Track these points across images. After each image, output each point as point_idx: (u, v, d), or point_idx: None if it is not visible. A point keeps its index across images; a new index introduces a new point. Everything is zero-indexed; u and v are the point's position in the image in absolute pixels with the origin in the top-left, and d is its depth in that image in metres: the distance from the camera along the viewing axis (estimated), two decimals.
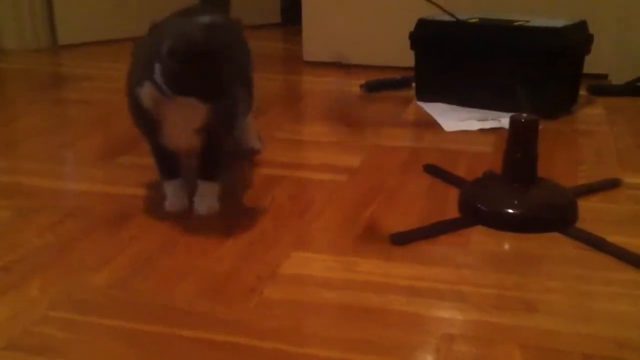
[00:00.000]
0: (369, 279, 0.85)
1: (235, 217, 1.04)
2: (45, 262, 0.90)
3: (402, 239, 0.93)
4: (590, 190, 1.11)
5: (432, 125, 1.50)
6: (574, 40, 1.54)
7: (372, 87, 1.81)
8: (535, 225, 0.97)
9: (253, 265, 0.89)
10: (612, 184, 1.14)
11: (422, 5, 1.90)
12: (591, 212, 1.03)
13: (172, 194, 1.07)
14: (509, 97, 1.53)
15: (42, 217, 1.04)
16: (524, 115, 1.00)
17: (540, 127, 1.45)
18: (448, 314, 0.78)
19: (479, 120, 1.49)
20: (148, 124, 1.00)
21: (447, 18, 1.66)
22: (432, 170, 1.21)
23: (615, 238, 0.93)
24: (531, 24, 1.55)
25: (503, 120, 1.47)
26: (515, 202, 1.00)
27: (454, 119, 1.51)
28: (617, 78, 1.81)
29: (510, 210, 0.99)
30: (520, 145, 1.01)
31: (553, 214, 1.00)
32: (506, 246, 0.94)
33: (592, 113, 1.58)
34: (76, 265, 0.89)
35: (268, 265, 0.89)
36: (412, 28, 1.69)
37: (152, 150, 1.07)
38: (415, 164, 1.26)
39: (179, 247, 0.94)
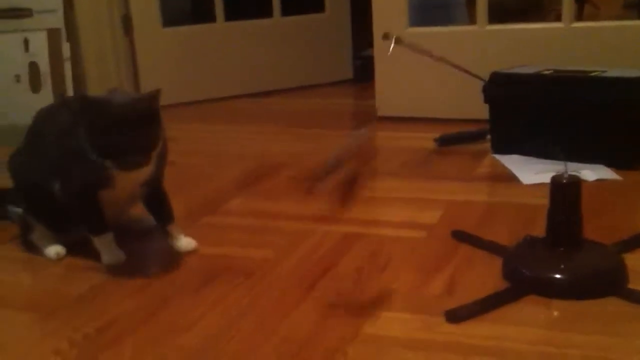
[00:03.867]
0: (452, 340, 0.85)
1: (315, 276, 1.06)
2: (137, 323, 0.94)
3: (456, 317, 0.89)
4: (629, 246, 1.06)
5: (509, 178, 1.49)
6: None
7: (446, 141, 1.82)
8: (587, 291, 0.93)
9: (335, 326, 0.90)
10: None
11: (495, 57, 1.92)
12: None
13: (108, 248, 1.13)
14: (587, 148, 1.52)
15: (132, 278, 1.09)
16: (566, 175, 0.97)
17: (620, 178, 1.44)
18: None
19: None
20: (94, 178, 1.05)
21: (520, 71, 1.67)
22: (462, 236, 1.16)
23: None
24: (607, 74, 1.53)
25: (583, 172, 1.44)
26: (564, 267, 0.97)
27: (532, 172, 1.49)
28: None
29: (561, 276, 0.95)
30: (562, 207, 0.98)
31: (605, 279, 0.96)
32: (555, 314, 0.91)
33: None
34: (165, 326, 0.93)
35: (350, 326, 0.90)
36: (485, 80, 1.70)
37: (83, 207, 1.10)
38: (494, 219, 1.25)
39: (261, 307, 0.97)
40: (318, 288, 1.01)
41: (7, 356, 0.88)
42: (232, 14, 2.65)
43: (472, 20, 2.08)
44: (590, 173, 1.45)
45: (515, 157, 1.63)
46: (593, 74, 1.56)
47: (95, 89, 2.46)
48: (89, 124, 1.00)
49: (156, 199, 1.16)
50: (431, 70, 2.10)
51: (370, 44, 2.18)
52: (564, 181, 0.97)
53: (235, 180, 1.62)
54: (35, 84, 2.17)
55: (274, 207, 1.41)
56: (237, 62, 2.67)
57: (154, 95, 1.02)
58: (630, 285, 0.95)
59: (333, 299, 0.97)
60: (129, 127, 0.98)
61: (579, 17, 3.17)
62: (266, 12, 2.70)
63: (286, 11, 2.72)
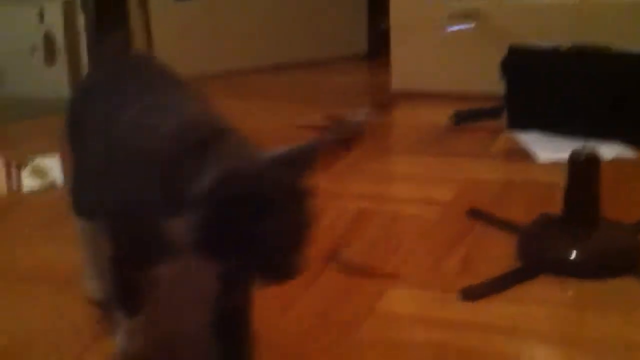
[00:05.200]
0: (467, 318, 0.85)
1: (331, 252, 1.06)
2: None
3: (472, 295, 0.89)
4: None
5: (525, 155, 1.48)
6: None
7: (462, 118, 1.80)
8: (604, 271, 0.92)
9: (350, 302, 0.90)
10: None
11: (511, 33, 1.89)
12: None
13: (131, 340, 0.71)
14: (606, 125, 1.50)
15: None
16: (584, 152, 0.95)
17: (638, 156, 1.42)
18: (551, 356, 0.77)
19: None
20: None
21: (538, 46, 1.64)
22: (478, 215, 1.14)
23: None
24: (630, 50, 1.51)
25: (601, 150, 1.43)
26: (585, 248, 0.96)
27: (549, 149, 1.48)
28: None
29: (576, 256, 0.95)
30: (581, 184, 0.97)
31: (622, 259, 0.95)
32: (569, 293, 0.90)
33: None
34: None
35: (365, 302, 0.90)
36: (502, 55, 1.68)
37: (115, 269, 0.69)
38: (509, 197, 1.25)
39: None
40: (334, 263, 1.02)
41: None
42: None
43: None
44: (608, 150, 1.43)
45: (532, 134, 1.61)
46: (614, 49, 1.53)
47: None
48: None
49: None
50: (448, 45, 2.08)
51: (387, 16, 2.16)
52: (582, 158, 0.96)
53: None
54: (50, 56, 2.16)
55: None
56: (247, 34, 2.65)
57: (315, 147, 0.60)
58: None
59: (348, 275, 0.98)
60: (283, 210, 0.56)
61: None
62: None
63: None
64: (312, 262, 1.01)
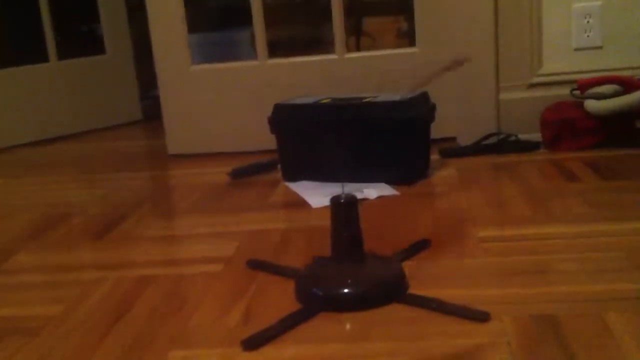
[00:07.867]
0: None
1: (107, 324, 1.01)
2: None
3: (252, 344, 0.89)
4: (408, 254, 1.16)
5: (300, 204, 1.55)
6: (419, 110, 1.66)
7: (239, 174, 1.85)
8: (372, 301, 0.99)
9: None
10: (424, 245, 1.20)
11: (278, 90, 1.99)
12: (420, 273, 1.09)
13: None
14: (367, 169, 1.63)
15: None
16: (343, 195, 1.03)
17: (398, 193, 1.56)
18: None
19: None
20: None
21: (301, 101, 1.75)
22: (257, 265, 1.18)
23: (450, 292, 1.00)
24: (378, 99, 1.66)
25: (366, 191, 1.54)
26: (350, 281, 1.01)
27: (320, 195, 1.57)
28: (464, 140, 1.96)
29: (347, 291, 1.00)
30: (343, 225, 1.03)
31: (387, 288, 1.02)
32: (347, 327, 0.95)
33: (445, 175, 1.70)
34: None
35: None
36: (270, 112, 1.76)
37: None
38: (287, 245, 1.29)
39: None
40: (111, 336, 0.97)
41: None
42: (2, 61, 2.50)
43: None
44: (372, 191, 1.56)
45: (305, 183, 1.70)
46: (366, 99, 1.68)
47: None
48: None
49: None
50: (217, 106, 2.13)
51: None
52: (342, 201, 1.03)
53: (20, 234, 1.51)
54: None
55: (63, 259, 1.33)
56: (15, 110, 2.51)
57: None
58: (411, 290, 1.03)
59: (128, 344, 0.94)
60: None
61: (357, 47, 3.41)
62: (42, 57, 2.58)
63: (64, 55, 2.62)
64: (87, 339, 0.96)
